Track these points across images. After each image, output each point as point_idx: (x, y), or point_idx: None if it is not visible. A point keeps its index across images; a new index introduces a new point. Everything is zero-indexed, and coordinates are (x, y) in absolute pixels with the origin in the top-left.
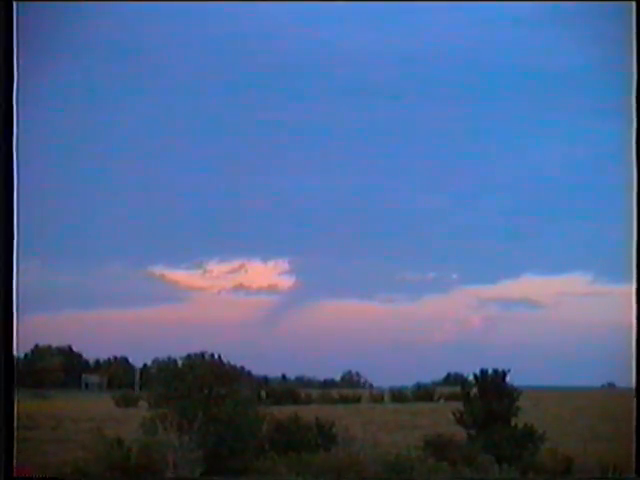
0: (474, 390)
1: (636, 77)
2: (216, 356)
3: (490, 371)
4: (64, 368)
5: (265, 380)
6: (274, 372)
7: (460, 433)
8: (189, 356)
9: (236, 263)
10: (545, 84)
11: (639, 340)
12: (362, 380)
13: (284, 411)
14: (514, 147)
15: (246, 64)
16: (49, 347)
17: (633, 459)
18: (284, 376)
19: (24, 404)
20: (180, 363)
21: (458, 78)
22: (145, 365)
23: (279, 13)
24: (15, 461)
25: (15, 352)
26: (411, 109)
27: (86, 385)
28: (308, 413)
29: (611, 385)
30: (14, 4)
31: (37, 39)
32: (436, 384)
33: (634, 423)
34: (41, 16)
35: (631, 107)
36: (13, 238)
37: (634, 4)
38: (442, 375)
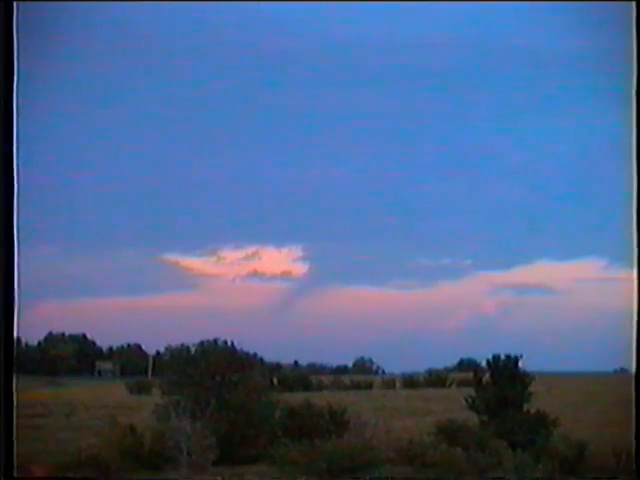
0: (486, 376)
1: (636, 75)
2: (229, 343)
3: (502, 357)
4: (77, 355)
5: (277, 367)
6: (286, 358)
7: (473, 419)
8: (202, 343)
9: (250, 250)
10: (557, 73)
11: (639, 333)
12: (374, 366)
13: (296, 397)
14: (528, 134)
15: (251, 58)
16: (62, 334)
17: (633, 460)
18: (296, 362)
19: (38, 392)
20: (193, 350)
21: (468, 67)
22: (158, 352)
23: (287, 6)
24: (28, 449)
25: (24, 342)
26: (423, 97)
27: (99, 372)
28: (320, 399)
29: (624, 370)
30: (14, 4)
31: (37, 39)
32: (448, 370)
33: (634, 422)
34: (41, 16)
35: (632, 103)
36: (14, 227)
37: (634, 4)
38: (455, 361)
